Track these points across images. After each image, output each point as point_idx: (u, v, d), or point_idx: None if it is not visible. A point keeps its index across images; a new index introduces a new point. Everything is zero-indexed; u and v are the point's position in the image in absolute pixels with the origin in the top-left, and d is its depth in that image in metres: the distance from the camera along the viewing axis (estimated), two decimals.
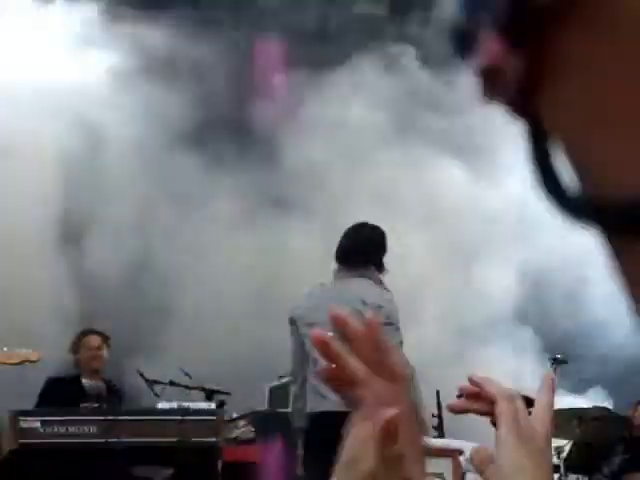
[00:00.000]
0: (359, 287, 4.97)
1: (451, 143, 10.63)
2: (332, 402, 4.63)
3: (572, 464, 7.35)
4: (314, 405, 4.95)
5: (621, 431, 7.36)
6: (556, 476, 7.09)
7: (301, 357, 4.99)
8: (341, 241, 5.16)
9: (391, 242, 5.27)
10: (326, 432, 4.96)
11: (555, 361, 7.30)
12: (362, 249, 5.08)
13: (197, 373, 7.40)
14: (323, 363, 1.07)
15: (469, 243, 10.62)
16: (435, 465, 5.78)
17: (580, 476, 7.61)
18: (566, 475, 7.42)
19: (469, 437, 6.17)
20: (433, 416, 7.51)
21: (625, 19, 0.49)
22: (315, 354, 4.73)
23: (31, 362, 6.10)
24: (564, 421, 6.93)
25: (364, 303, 4.81)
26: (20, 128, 9.54)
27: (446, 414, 7.21)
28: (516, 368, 9.69)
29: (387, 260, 5.20)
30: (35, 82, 9.81)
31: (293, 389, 5.27)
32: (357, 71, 10.69)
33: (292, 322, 5.06)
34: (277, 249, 10.08)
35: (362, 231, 5.19)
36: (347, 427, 1.03)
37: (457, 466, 5.86)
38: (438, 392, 7.51)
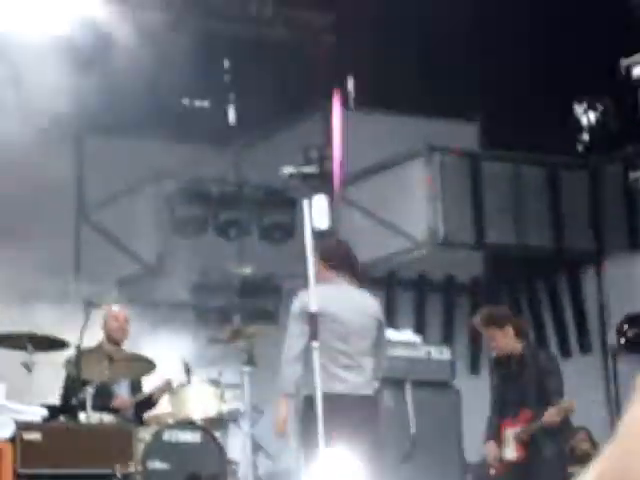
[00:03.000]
0: (360, 294, 5.94)
1: None
2: (350, 384, 5.48)
3: None
4: (330, 387, 5.39)
5: None
6: None
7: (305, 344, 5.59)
8: (336, 250, 5.96)
9: None
10: (340, 413, 5.60)
11: None
12: (355, 262, 5.99)
13: None
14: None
15: None
16: None
17: None
18: None
19: None
20: None
21: None
22: (334, 343, 5.63)
23: None
24: None
25: (366, 309, 5.87)
26: None
27: None
28: None
29: None
30: None
31: (295, 366, 5.66)
32: None
33: (301, 314, 5.60)
34: None
35: (348, 246, 6.13)
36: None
37: None
38: None
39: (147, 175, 11.22)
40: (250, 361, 7.74)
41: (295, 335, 5.70)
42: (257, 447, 7.75)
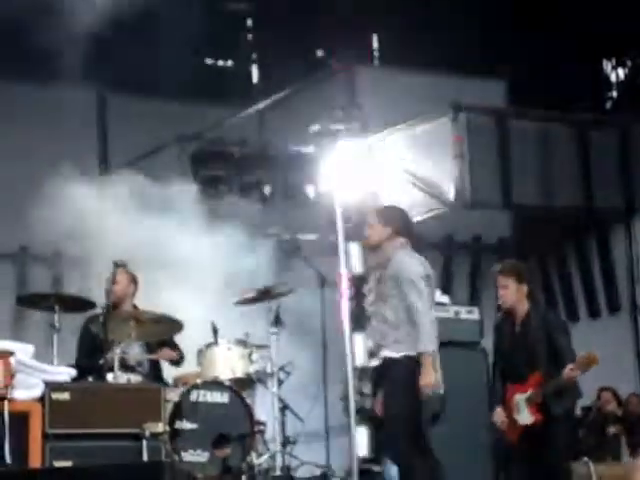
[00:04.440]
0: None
1: None
2: None
3: None
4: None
5: None
6: None
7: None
8: (401, 217, 6.22)
9: None
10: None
11: None
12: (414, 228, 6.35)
13: None
14: None
15: None
16: None
17: None
18: None
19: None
20: None
21: None
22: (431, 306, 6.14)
23: None
24: None
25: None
26: None
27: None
28: None
29: None
30: None
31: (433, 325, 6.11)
32: None
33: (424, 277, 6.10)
34: None
35: (407, 213, 6.37)
36: None
37: (7, 366, 6.04)
38: None
39: (170, 136, 11.14)
40: (277, 321, 7.69)
41: (424, 296, 5.99)
42: (284, 407, 7.71)
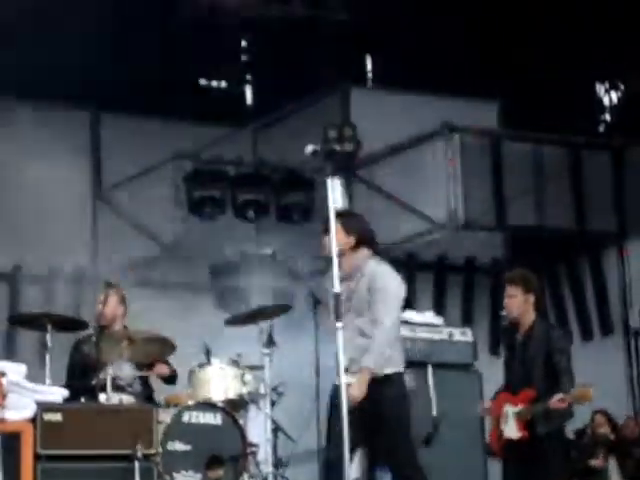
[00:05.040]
0: None
1: None
2: None
3: None
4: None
5: None
6: None
7: None
8: (365, 226, 6.06)
9: None
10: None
11: None
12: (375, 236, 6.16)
13: None
14: None
15: None
16: None
17: None
18: None
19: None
20: None
21: None
22: None
23: None
24: None
25: None
26: None
27: None
28: None
29: None
30: None
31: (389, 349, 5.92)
32: None
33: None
34: None
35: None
36: None
37: None
38: None
39: (164, 155, 11.14)
40: (270, 342, 7.66)
41: (397, 316, 5.87)
42: (277, 429, 7.68)
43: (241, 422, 7.05)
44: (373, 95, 11.63)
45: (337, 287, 5.41)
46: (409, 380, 7.66)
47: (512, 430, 6.53)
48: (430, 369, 8.03)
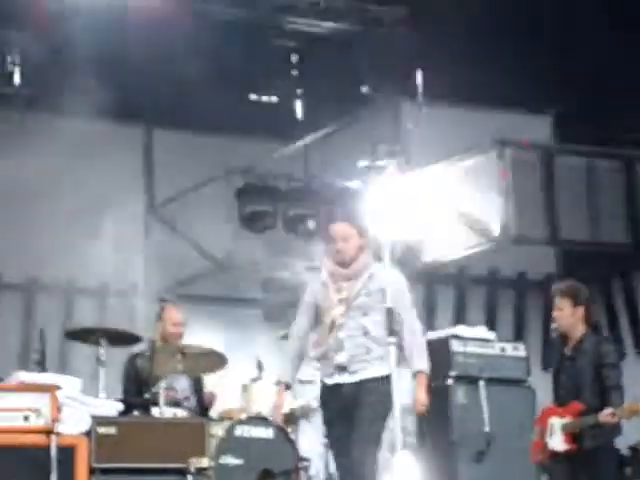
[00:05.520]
0: None
1: None
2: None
3: None
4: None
5: None
6: None
7: None
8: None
9: None
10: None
11: None
12: None
13: None
14: None
15: None
16: (34, 400, 6.02)
17: None
18: None
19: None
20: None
21: None
22: None
23: None
24: None
25: None
26: None
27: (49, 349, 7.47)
28: None
29: None
30: None
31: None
32: None
33: None
34: None
35: None
36: None
37: (55, 400, 6.07)
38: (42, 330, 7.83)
39: (216, 170, 11.22)
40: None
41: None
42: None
43: (293, 436, 7.06)
44: (424, 110, 11.61)
45: (389, 302, 5.43)
46: (461, 396, 7.65)
47: (557, 442, 6.45)
48: (482, 384, 7.98)
